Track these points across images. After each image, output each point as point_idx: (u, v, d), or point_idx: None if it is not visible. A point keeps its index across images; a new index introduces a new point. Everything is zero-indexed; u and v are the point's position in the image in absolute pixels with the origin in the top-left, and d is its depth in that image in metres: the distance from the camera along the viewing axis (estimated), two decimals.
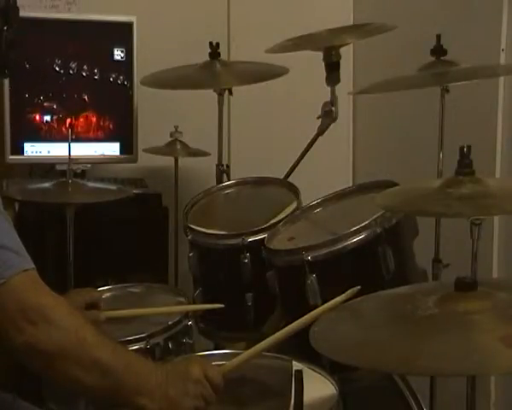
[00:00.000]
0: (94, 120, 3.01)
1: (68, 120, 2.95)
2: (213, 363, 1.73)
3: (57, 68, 2.95)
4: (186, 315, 2.11)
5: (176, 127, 2.92)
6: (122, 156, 3.06)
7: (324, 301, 1.83)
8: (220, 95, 2.85)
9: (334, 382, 1.76)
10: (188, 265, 2.40)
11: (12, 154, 2.93)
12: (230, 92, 2.87)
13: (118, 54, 3.00)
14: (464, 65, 2.37)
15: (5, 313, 1.53)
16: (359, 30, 2.80)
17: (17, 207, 2.73)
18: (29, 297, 1.54)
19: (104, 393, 1.59)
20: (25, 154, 2.95)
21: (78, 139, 2.91)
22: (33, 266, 1.58)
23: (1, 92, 2.88)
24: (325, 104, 2.58)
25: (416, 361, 1.36)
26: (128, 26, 3.00)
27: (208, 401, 1.64)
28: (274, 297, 2.14)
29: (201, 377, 1.64)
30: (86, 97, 2.99)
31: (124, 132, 3.05)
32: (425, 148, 2.74)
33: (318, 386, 1.76)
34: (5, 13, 1.71)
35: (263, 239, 2.19)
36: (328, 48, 2.54)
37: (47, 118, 2.95)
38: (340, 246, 2.00)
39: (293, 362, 1.82)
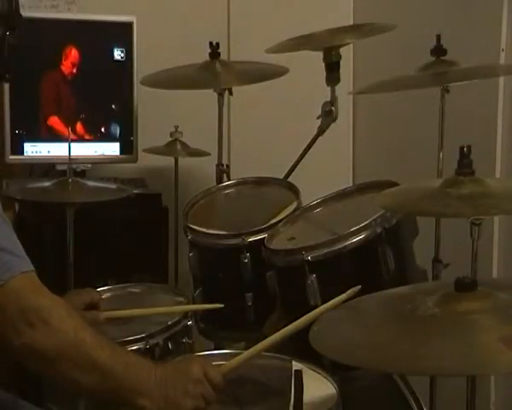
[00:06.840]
0: (94, 119, 3.01)
1: (68, 120, 2.94)
2: (213, 363, 1.73)
3: (57, 68, 2.95)
4: (186, 315, 2.11)
5: (176, 127, 2.92)
6: (122, 156, 3.06)
7: (324, 301, 1.83)
8: (220, 95, 2.84)
9: (334, 382, 1.76)
10: (188, 265, 2.40)
11: (12, 154, 2.93)
12: (230, 92, 2.86)
13: (118, 54, 3.00)
14: (464, 65, 2.37)
15: (4, 315, 1.53)
16: (359, 30, 2.80)
17: (17, 207, 2.73)
18: (28, 299, 1.54)
19: (104, 394, 1.59)
20: (25, 154, 2.95)
21: (78, 139, 2.92)
22: (32, 268, 1.58)
23: (1, 93, 2.88)
24: (325, 104, 2.58)
25: (416, 361, 1.36)
26: (128, 26, 3.00)
27: (208, 401, 1.63)
28: (274, 297, 2.14)
29: (201, 376, 1.63)
30: (86, 97, 2.99)
31: (124, 132, 3.04)
32: (425, 148, 2.74)
33: (318, 386, 1.76)
34: (8, 18, 1.70)
35: (263, 239, 2.19)
36: (328, 48, 2.54)
37: (47, 118, 2.95)
38: (340, 246, 2.00)
39: (293, 362, 1.81)
